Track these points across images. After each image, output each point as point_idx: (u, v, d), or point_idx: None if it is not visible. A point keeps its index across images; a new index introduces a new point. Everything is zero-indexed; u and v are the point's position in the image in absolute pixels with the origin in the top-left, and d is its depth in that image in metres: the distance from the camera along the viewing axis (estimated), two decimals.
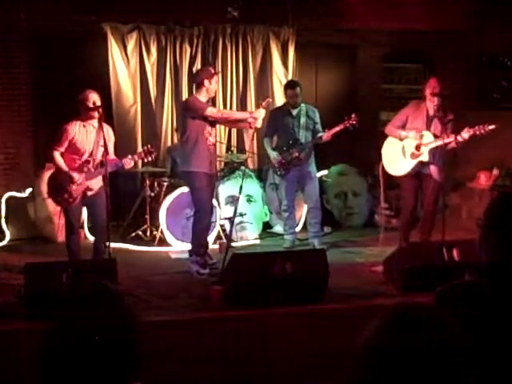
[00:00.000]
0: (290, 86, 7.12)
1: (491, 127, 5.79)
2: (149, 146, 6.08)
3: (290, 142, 6.93)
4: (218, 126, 6.65)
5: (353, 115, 6.69)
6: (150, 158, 6.05)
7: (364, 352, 1.29)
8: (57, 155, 5.65)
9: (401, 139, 6.18)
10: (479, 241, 1.99)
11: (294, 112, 6.97)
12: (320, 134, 6.84)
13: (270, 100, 6.41)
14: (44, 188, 7.40)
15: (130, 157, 5.82)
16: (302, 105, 7.02)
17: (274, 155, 7.02)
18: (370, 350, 1.29)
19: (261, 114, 6.21)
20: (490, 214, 2.01)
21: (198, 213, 6.18)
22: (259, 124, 6.24)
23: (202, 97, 6.15)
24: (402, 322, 1.31)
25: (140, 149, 8.04)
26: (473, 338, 1.43)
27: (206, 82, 6.09)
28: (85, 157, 5.69)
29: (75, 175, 5.63)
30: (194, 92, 6.33)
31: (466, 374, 1.27)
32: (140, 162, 7.75)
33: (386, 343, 1.28)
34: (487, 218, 2.01)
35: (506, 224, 1.95)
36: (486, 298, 1.83)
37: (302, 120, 6.93)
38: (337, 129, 6.72)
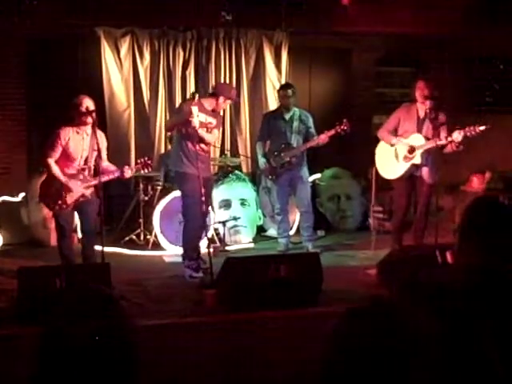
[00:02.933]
0: (282, 87, 7.23)
1: (482, 128, 5.80)
2: (146, 158, 5.98)
3: (282, 146, 6.95)
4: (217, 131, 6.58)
5: (344, 120, 6.70)
6: (146, 171, 6.02)
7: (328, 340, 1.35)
8: (52, 163, 5.58)
9: (391, 145, 6.23)
10: (457, 243, 2.01)
11: (287, 116, 6.98)
12: (315, 138, 6.84)
13: (197, 95, 6.22)
14: (37, 193, 7.41)
15: (127, 167, 5.80)
16: (296, 109, 7.03)
17: (261, 162, 7.06)
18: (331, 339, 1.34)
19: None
20: (469, 217, 2.03)
21: (185, 217, 6.15)
22: (196, 122, 5.97)
23: (208, 104, 6.13)
24: (355, 315, 1.35)
25: (133, 153, 8.11)
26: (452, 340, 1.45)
27: (221, 98, 6.13)
28: (77, 163, 5.65)
29: (71, 184, 5.61)
30: (205, 96, 6.32)
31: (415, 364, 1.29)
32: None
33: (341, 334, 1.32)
34: (466, 220, 2.03)
35: (485, 226, 1.96)
36: (465, 299, 1.84)
37: (295, 124, 6.94)
38: (329, 134, 6.74)
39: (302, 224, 7.14)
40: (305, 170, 7.07)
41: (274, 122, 7.05)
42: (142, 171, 5.99)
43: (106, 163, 5.79)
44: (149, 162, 5.91)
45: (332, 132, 6.71)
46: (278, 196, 7.11)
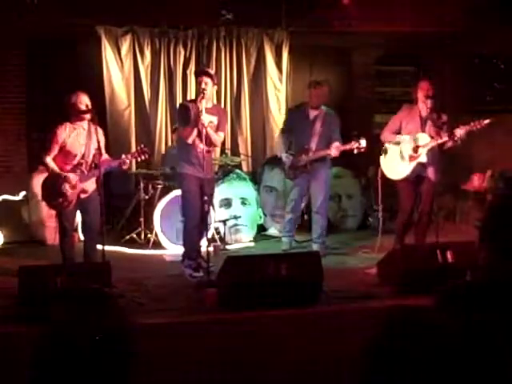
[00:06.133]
0: (317, 84, 6.74)
1: (487, 122, 5.80)
2: (142, 145, 6.06)
3: (302, 148, 6.70)
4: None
5: (362, 140, 6.37)
6: (143, 157, 6.01)
7: (366, 357, 1.31)
8: (48, 160, 5.64)
9: (395, 143, 6.21)
10: (479, 242, 1.99)
11: (312, 115, 6.72)
12: (332, 148, 6.52)
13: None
14: (38, 192, 7.41)
15: (124, 156, 5.82)
16: (323, 107, 6.73)
17: (283, 156, 6.83)
18: (372, 355, 1.31)
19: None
20: (491, 215, 2.02)
21: (184, 217, 6.16)
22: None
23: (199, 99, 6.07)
24: (402, 326, 1.32)
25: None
26: (474, 338, 1.44)
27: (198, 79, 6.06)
28: (77, 159, 5.68)
29: (71, 175, 5.62)
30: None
31: (464, 376, 1.28)
32: (134, 164, 7.77)
33: (386, 347, 1.29)
34: (488, 219, 2.01)
35: (507, 225, 1.96)
36: (488, 298, 1.84)
37: (318, 126, 6.65)
38: (342, 148, 6.49)
39: (312, 224, 6.97)
40: (323, 172, 6.75)
41: (298, 120, 6.76)
42: (139, 158, 6.01)
43: (104, 156, 5.81)
44: (145, 149, 5.95)
45: (346, 147, 6.47)
46: (294, 195, 6.93)
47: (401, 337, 1.30)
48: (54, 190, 5.65)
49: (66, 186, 5.62)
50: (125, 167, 5.86)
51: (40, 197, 5.92)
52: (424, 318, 1.35)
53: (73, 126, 5.64)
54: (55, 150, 5.62)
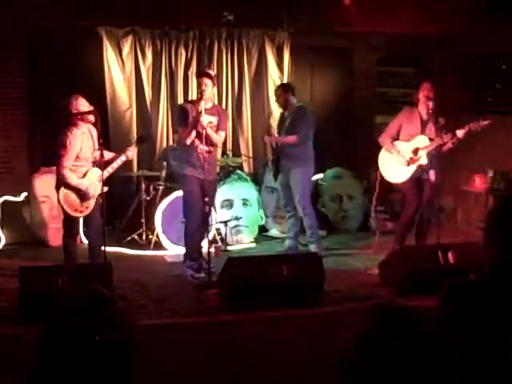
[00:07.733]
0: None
1: (486, 122, 5.81)
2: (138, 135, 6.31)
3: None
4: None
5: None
6: (141, 142, 6.36)
7: (351, 354, 1.33)
8: (67, 173, 5.56)
9: (391, 153, 6.22)
10: (483, 242, 2.00)
11: (286, 113, 6.96)
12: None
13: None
14: (39, 193, 7.42)
15: (130, 148, 5.93)
16: (299, 105, 6.90)
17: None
18: (362, 352, 1.32)
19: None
20: (493, 216, 2.03)
21: (186, 218, 6.19)
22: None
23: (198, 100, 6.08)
24: (390, 323, 1.33)
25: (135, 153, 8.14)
26: (476, 335, 1.45)
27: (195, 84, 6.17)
28: (89, 162, 5.69)
29: (91, 186, 5.65)
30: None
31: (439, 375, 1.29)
32: (135, 166, 7.78)
33: (376, 345, 1.30)
34: (490, 219, 2.02)
35: (509, 225, 1.97)
36: (491, 296, 1.85)
37: (287, 123, 6.86)
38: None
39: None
40: (297, 173, 6.76)
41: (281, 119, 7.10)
42: (140, 145, 6.30)
43: (107, 154, 5.88)
44: (140, 135, 6.36)
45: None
46: (281, 198, 7.13)
47: (389, 333, 1.31)
48: (77, 201, 5.63)
49: (88, 193, 5.64)
50: (131, 157, 6.10)
51: (65, 209, 5.70)
52: (411, 315, 1.36)
53: (80, 130, 5.60)
54: (71, 160, 5.56)
